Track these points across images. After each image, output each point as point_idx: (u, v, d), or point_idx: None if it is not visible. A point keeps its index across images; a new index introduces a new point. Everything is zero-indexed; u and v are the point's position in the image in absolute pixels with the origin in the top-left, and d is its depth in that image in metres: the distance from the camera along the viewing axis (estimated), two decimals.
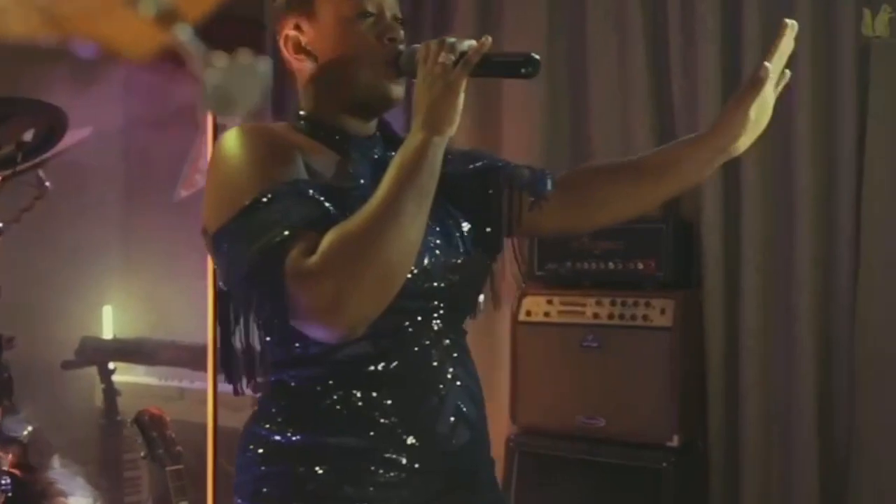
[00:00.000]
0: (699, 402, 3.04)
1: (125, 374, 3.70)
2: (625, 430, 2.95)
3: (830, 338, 2.88)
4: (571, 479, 3.03)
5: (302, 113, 1.51)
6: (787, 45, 1.48)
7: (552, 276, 3.17)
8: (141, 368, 3.77)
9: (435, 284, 1.44)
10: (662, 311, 2.92)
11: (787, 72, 1.51)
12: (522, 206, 1.61)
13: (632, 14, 3.20)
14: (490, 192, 1.59)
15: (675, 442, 2.88)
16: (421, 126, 1.32)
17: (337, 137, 1.48)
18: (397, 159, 1.32)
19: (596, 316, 3.02)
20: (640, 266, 3.01)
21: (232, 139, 1.38)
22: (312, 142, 1.47)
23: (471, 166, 1.61)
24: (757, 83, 1.46)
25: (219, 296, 1.47)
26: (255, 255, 1.27)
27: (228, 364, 1.45)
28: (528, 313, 3.14)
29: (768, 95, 1.49)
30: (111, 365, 3.59)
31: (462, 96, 1.33)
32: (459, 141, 3.42)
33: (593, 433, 3.00)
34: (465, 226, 1.54)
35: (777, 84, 1.51)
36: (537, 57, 1.35)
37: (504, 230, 1.59)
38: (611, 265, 3.05)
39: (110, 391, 3.56)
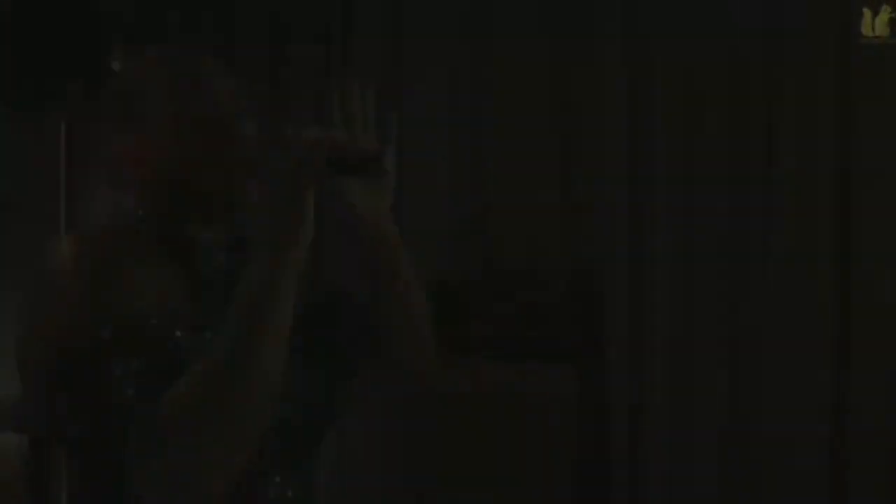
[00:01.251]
0: (601, 478, 2.87)
1: None
2: None
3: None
4: None
5: (146, 219, 1.24)
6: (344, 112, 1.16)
7: (444, 339, 2.95)
8: None
9: (272, 427, 1.15)
10: (560, 381, 2.73)
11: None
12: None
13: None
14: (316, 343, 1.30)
15: None
16: (265, 249, 1.09)
17: (186, 251, 1.24)
18: (241, 298, 1.08)
19: (489, 384, 2.82)
20: (536, 333, 2.82)
21: (64, 254, 1.14)
22: (156, 251, 1.22)
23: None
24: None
25: None
26: (91, 418, 1.08)
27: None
28: None
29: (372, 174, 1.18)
30: None
31: (311, 206, 1.09)
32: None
33: None
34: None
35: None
36: (386, 165, 1.14)
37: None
38: (506, 331, 2.85)
39: None
